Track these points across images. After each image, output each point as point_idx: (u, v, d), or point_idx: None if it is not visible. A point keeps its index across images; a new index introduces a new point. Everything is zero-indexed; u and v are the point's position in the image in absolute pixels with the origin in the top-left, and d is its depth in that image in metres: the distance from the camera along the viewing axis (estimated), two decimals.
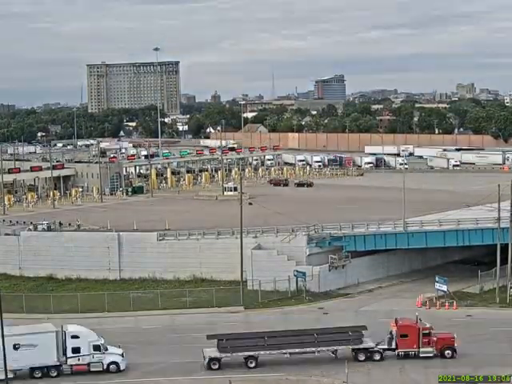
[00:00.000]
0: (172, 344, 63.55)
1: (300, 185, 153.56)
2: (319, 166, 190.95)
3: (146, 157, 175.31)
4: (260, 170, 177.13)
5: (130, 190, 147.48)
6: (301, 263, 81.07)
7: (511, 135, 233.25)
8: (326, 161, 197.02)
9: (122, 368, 57.77)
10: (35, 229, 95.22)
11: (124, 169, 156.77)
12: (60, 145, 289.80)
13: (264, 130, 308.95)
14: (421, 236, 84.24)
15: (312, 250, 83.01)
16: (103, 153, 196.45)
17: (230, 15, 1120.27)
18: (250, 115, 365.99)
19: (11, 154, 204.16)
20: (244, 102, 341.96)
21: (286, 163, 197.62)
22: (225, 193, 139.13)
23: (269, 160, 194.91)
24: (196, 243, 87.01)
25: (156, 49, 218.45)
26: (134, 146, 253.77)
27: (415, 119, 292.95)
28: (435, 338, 58.88)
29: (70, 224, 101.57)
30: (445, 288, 74.16)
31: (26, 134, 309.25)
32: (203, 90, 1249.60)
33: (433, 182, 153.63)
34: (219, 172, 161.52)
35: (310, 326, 64.40)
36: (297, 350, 58.60)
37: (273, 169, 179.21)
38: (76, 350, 57.41)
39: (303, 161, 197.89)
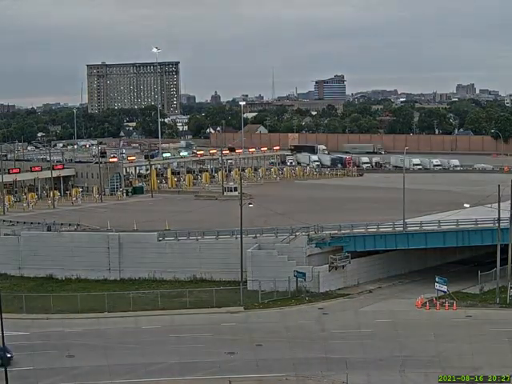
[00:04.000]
0: (172, 344, 63.56)
1: None
2: (317, 165, 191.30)
3: (145, 157, 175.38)
4: (260, 170, 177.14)
5: (130, 190, 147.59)
6: (301, 263, 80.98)
7: (511, 136, 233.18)
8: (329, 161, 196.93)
9: None
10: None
11: (124, 169, 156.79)
12: (60, 145, 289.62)
13: (264, 130, 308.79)
14: (420, 236, 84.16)
15: (312, 251, 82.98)
16: (103, 153, 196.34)
17: None
18: (250, 116, 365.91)
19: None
20: (244, 103, 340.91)
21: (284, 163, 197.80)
22: (225, 193, 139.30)
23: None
24: (196, 243, 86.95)
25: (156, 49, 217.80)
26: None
27: (415, 120, 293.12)
28: None
29: (70, 224, 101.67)
30: (445, 288, 74.08)
31: (26, 134, 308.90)
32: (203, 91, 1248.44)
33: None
34: (219, 172, 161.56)
35: (310, 327, 64.43)
36: None
37: (273, 169, 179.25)
38: None
39: None
